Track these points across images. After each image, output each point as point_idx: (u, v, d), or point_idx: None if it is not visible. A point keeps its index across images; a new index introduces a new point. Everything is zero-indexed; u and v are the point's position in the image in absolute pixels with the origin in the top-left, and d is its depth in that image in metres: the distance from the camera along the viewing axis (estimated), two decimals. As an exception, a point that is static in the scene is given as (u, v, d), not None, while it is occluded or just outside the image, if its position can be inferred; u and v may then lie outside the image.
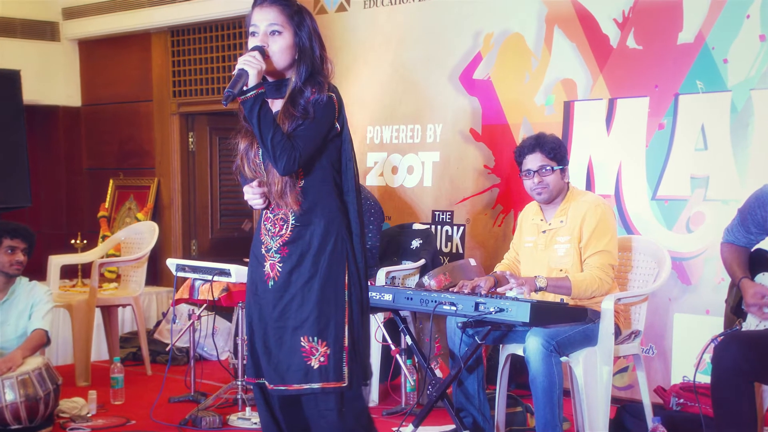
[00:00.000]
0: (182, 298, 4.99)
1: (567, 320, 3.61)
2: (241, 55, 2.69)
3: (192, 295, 4.88)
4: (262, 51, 2.68)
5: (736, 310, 3.55)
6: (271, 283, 2.79)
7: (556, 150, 3.84)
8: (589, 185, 4.87)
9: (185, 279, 4.87)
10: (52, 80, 7.54)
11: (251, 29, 2.75)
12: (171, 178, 7.13)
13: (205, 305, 4.83)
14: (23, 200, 6.07)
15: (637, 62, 4.71)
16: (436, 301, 3.57)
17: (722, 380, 3.28)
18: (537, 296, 3.70)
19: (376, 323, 4.68)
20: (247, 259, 2.96)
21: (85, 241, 6.26)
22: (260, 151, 2.77)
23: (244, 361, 4.45)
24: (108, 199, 7.40)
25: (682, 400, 4.15)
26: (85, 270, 6.20)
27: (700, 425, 3.60)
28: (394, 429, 3.90)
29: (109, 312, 5.76)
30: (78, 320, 5.44)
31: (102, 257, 5.97)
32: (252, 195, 2.79)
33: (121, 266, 6.15)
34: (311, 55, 2.76)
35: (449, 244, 5.51)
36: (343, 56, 5.85)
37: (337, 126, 2.77)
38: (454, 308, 3.52)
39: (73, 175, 7.79)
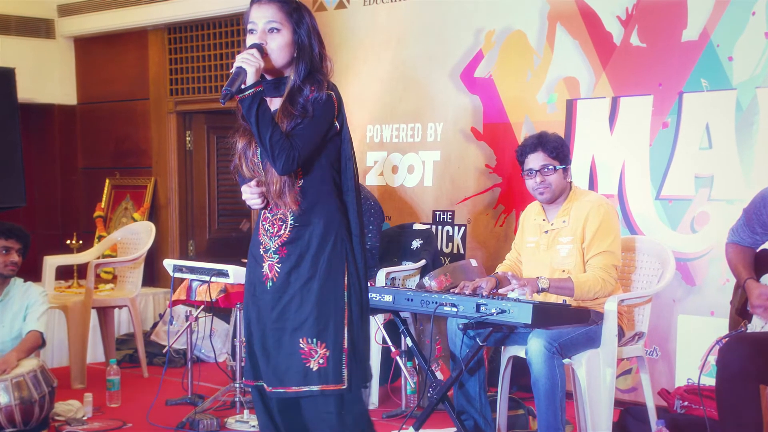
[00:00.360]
0: (179, 300, 4.96)
1: (569, 322, 3.57)
2: (239, 52, 2.66)
3: (189, 296, 4.86)
4: (261, 49, 2.66)
5: (741, 311, 3.53)
6: (269, 284, 2.77)
7: (558, 149, 3.82)
8: (592, 185, 4.83)
9: (182, 280, 4.84)
10: (47, 78, 7.49)
11: (249, 26, 2.73)
12: (168, 177, 7.08)
13: (202, 306, 4.80)
14: (18, 200, 6.04)
15: (640, 60, 4.67)
16: (436, 303, 3.53)
17: (727, 383, 3.27)
18: (539, 297, 3.67)
19: (376, 325, 4.65)
20: (245, 260, 2.95)
21: (80, 242, 6.23)
22: (258, 150, 2.75)
23: (242, 363, 4.41)
24: (104, 198, 7.36)
25: (686, 403, 4.12)
26: (81, 271, 6.15)
27: (704, 428, 3.58)
28: (395, 432, 3.87)
29: (105, 313, 5.72)
30: (73, 322, 5.41)
31: (98, 258, 5.94)
32: (250, 195, 2.77)
33: (118, 267, 6.12)
34: (310, 53, 2.74)
35: (450, 244, 5.46)
36: (342, 54, 5.81)
37: (336, 125, 2.75)
38: (455, 309, 3.49)
39: (68, 174, 7.75)
